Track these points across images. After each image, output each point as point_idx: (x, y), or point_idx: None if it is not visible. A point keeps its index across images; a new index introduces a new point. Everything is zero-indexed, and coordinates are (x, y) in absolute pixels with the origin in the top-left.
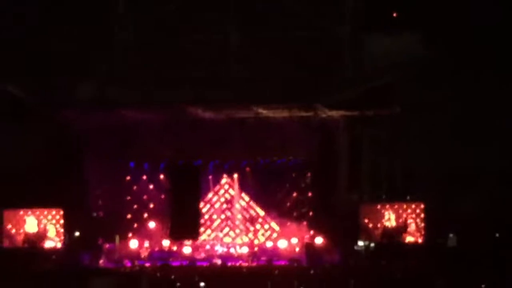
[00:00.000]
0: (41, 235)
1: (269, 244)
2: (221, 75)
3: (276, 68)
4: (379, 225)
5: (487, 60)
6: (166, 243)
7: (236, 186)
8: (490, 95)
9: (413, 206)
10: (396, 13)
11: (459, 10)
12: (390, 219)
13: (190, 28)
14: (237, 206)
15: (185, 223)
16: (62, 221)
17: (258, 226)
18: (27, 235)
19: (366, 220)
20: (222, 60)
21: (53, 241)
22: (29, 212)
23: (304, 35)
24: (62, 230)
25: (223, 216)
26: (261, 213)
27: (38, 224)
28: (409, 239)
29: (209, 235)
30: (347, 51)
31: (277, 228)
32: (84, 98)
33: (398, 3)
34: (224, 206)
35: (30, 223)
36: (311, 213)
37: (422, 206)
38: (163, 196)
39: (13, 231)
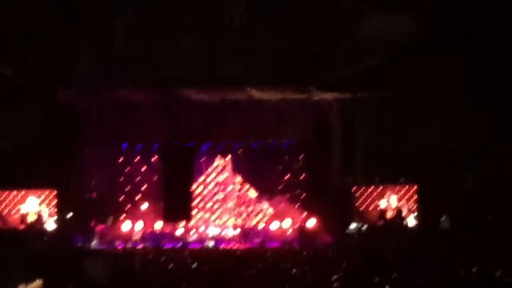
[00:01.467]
0: (34, 216)
1: (262, 226)
2: (217, 57)
3: (270, 49)
4: (372, 207)
5: (479, 41)
6: (158, 225)
7: (229, 168)
8: (483, 76)
9: (407, 188)
10: None
11: None
12: (383, 201)
13: (188, 6)
14: (230, 188)
15: (178, 205)
16: (55, 202)
17: (250, 208)
18: (22, 216)
19: (359, 202)
20: (219, 41)
21: (46, 222)
22: (23, 193)
23: (299, 17)
24: (55, 211)
25: (216, 198)
26: (254, 195)
27: (32, 205)
28: (402, 221)
29: (201, 217)
30: (341, 33)
31: (270, 210)
32: (79, 79)
33: None
34: (217, 188)
35: (25, 204)
36: (304, 195)
37: (416, 188)
38: (156, 178)
39: (6, 211)
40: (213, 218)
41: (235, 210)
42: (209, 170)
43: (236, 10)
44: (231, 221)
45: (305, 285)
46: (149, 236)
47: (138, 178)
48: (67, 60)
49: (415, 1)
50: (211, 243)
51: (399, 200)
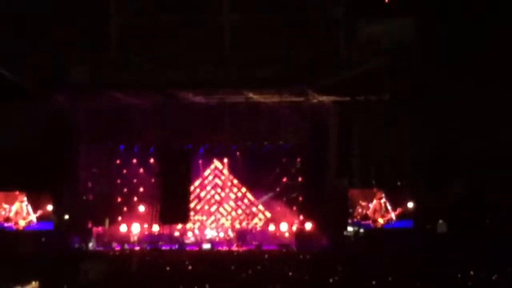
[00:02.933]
0: (30, 218)
1: (259, 229)
2: (214, 59)
3: (269, 52)
4: (369, 211)
5: (478, 47)
6: (156, 227)
7: (226, 170)
8: (480, 83)
9: (403, 191)
10: None
11: None
12: (380, 206)
13: (184, 10)
14: (227, 190)
15: (175, 207)
16: (52, 204)
17: (247, 211)
18: (16, 217)
19: (356, 206)
20: (215, 43)
21: (42, 224)
22: (17, 193)
23: (297, 20)
24: (52, 213)
25: (213, 201)
26: (251, 197)
27: (28, 206)
28: (398, 225)
29: (199, 219)
30: (339, 36)
31: (267, 213)
32: (76, 81)
33: None
34: (214, 190)
35: (19, 205)
36: (301, 198)
37: (412, 191)
38: (153, 180)
39: (3, 213)
40: (210, 220)
41: (232, 213)
42: (206, 172)
43: (233, 13)
44: (228, 224)
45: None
46: (146, 238)
47: (135, 180)
48: (64, 63)
49: (412, 6)
50: (208, 245)
51: (396, 203)
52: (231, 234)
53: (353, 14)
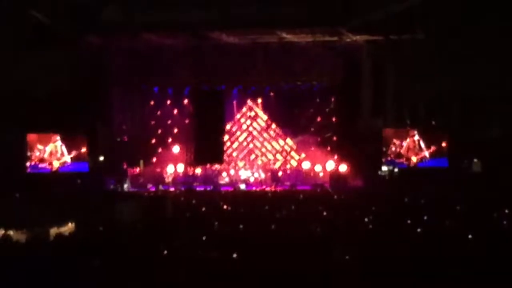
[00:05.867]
0: (66, 159)
1: (293, 169)
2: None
3: None
4: (403, 150)
5: None
6: (190, 168)
7: (260, 111)
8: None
9: (438, 131)
10: None
11: None
12: (414, 144)
13: None
14: (261, 131)
15: (210, 148)
16: (86, 146)
17: (282, 151)
18: (51, 157)
19: (390, 145)
20: None
21: (77, 165)
22: (51, 135)
23: None
24: (86, 154)
25: (247, 141)
26: (285, 138)
27: (62, 147)
28: (433, 163)
29: (233, 160)
30: None
31: (301, 153)
32: (109, 23)
33: None
34: (248, 131)
35: (54, 146)
36: (335, 138)
37: (447, 131)
38: (187, 121)
39: (38, 154)
40: (244, 161)
41: (266, 153)
42: (240, 113)
43: None
44: (262, 164)
45: (336, 227)
46: (181, 178)
47: (169, 121)
48: (96, 5)
49: None
50: (242, 186)
51: (430, 142)
52: (265, 174)
53: None
